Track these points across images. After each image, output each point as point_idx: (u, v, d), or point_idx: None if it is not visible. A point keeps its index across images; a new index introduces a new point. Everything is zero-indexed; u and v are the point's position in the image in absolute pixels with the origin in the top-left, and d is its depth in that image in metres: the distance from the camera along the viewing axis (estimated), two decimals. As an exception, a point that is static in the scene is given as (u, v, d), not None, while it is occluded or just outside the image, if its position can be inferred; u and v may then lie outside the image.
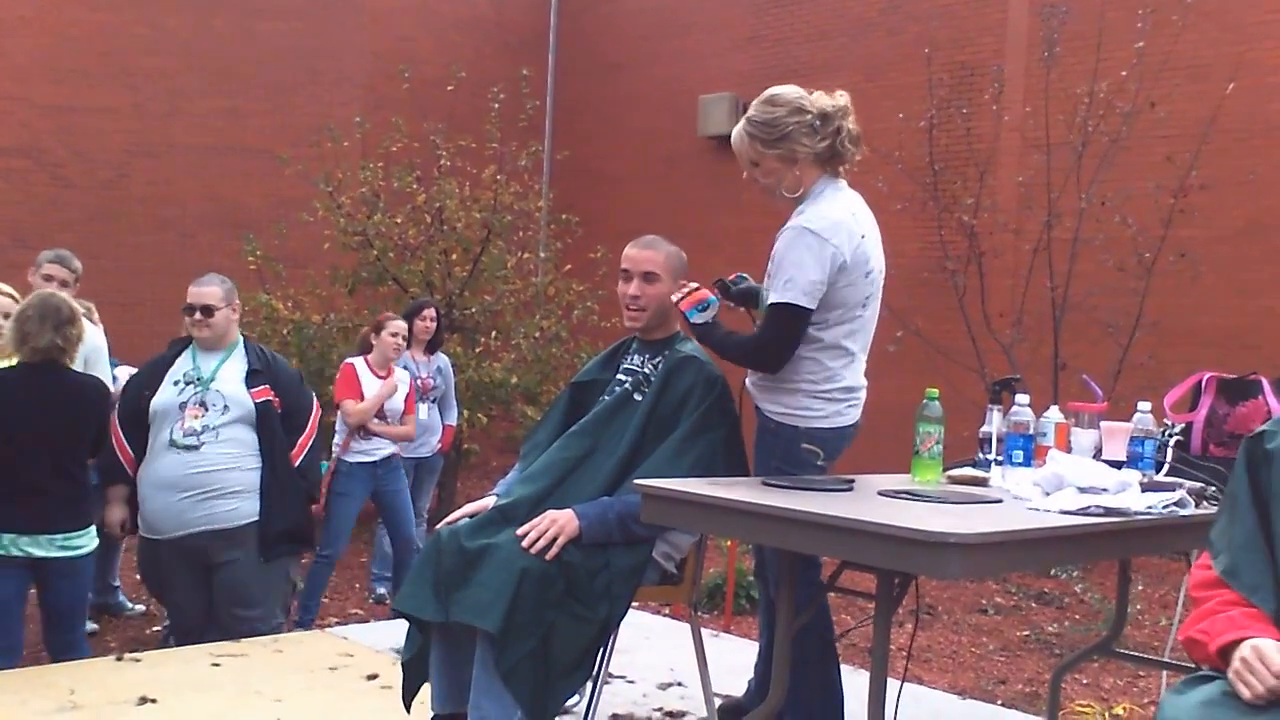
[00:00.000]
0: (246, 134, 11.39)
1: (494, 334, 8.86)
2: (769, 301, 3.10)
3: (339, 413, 5.88)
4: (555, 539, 2.83)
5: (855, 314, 3.15)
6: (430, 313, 6.66)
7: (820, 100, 3.17)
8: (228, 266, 8.03)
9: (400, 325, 6.07)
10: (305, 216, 8.97)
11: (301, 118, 11.03)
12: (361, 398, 5.79)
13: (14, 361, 3.90)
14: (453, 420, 6.94)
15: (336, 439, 5.90)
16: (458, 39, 12.43)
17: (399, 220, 8.86)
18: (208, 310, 4.17)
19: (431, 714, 3.04)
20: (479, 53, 12.14)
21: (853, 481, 2.78)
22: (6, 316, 4.06)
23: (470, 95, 9.83)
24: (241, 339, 4.34)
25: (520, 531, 2.86)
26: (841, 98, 3.20)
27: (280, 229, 9.15)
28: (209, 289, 4.21)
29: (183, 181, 11.22)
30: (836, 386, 3.14)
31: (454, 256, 8.92)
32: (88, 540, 3.91)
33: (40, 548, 3.77)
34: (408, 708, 3.09)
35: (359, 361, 5.95)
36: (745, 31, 11.67)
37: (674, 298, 3.18)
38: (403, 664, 3.10)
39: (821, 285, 3.04)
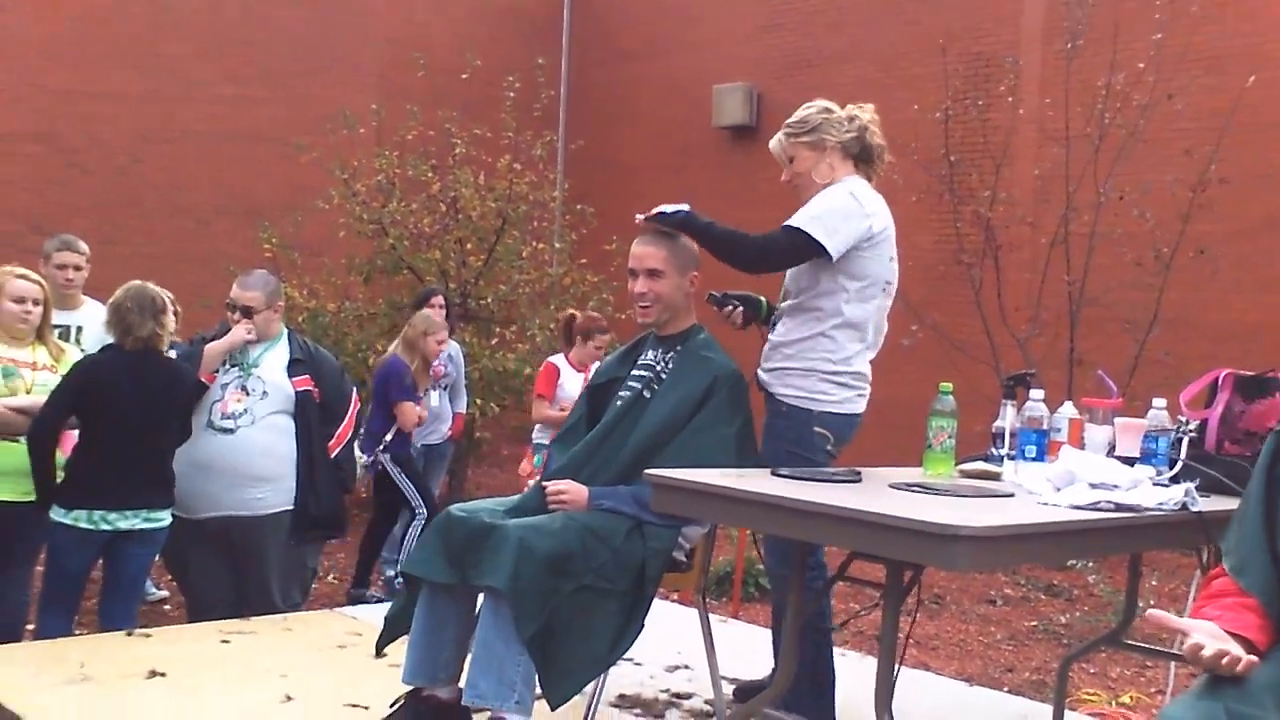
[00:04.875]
0: (259, 121, 11.38)
1: (510, 326, 8.85)
2: (785, 224, 3.14)
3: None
4: (562, 504, 3.01)
5: (877, 294, 3.24)
6: (439, 300, 6.71)
7: (849, 108, 3.35)
8: (243, 254, 8.07)
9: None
10: (320, 204, 8.97)
11: (315, 105, 11.01)
12: None
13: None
14: (463, 408, 6.96)
15: None
16: (472, 26, 12.40)
17: (414, 209, 8.87)
18: (248, 312, 4.29)
19: (405, 685, 3.06)
20: (493, 40, 12.11)
21: (860, 474, 2.78)
22: (36, 303, 4.06)
23: (485, 83, 9.82)
24: (286, 330, 4.44)
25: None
26: (868, 110, 3.34)
27: (296, 217, 9.15)
28: (252, 293, 4.32)
29: (196, 168, 11.21)
30: (849, 370, 3.22)
31: (469, 246, 8.92)
32: (168, 514, 4.03)
33: (126, 520, 3.90)
34: (378, 654, 3.18)
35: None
36: (760, 21, 11.62)
37: (641, 218, 3.17)
38: (386, 617, 3.16)
39: (844, 239, 3.12)
